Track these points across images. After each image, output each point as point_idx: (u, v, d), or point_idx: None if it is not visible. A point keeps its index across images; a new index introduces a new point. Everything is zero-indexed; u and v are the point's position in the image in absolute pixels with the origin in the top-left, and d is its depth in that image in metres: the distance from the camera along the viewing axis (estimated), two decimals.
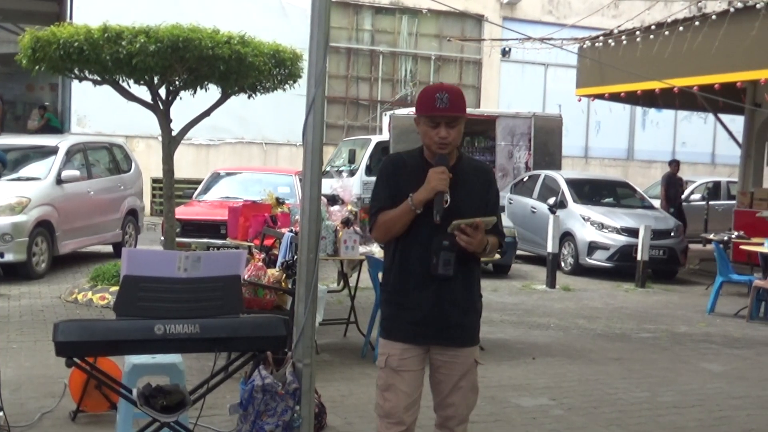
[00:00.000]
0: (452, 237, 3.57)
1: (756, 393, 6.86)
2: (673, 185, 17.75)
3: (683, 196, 18.72)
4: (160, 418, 3.92)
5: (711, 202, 19.27)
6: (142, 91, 9.75)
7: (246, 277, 6.25)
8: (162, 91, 9.70)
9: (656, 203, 16.63)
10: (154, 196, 20.45)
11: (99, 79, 9.49)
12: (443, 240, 3.60)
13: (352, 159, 18.12)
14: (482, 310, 3.86)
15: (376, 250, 7.76)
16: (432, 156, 3.68)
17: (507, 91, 24.98)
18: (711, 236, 13.35)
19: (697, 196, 20.41)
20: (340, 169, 17.37)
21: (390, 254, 3.75)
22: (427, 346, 3.70)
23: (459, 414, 3.76)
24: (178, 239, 10.40)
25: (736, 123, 17.13)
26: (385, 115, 19.61)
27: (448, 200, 3.59)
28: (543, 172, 16.13)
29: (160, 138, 10.27)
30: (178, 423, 4.02)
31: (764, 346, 8.90)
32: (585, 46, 15.44)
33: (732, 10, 12.35)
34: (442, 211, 3.58)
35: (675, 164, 18.22)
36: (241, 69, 9.20)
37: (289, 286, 6.46)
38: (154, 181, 19.69)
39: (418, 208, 3.58)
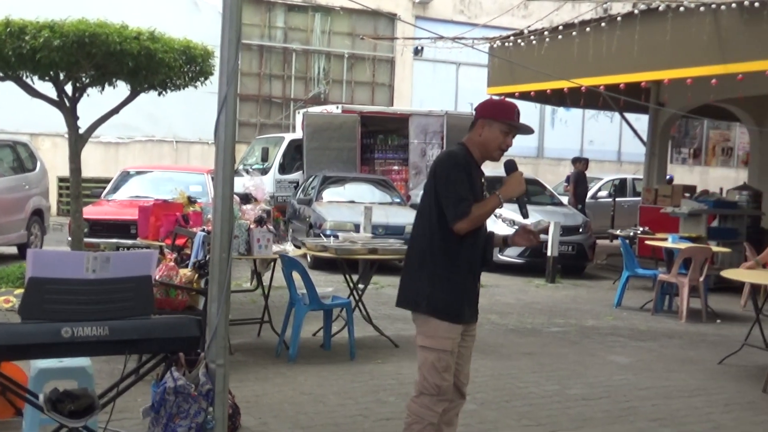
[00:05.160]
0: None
1: (661, 384, 7.08)
2: (582, 183, 18.17)
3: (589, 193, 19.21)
4: (68, 423, 3.82)
5: (617, 199, 19.79)
6: (47, 88, 9.50)
7: (157, 277, 6.15)
8: (68, 88, 9.47)
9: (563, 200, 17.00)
10: (60, 195, 19.96)
11: (1, 74, 9.20)
12: (490, 235, 4.30)
13: (265, 157, 18.02)
14: None
15: (290, 249, 7.74)
16: (480, 157, 4.19)
17: (419, 89, 25.19)
18: (617, 232, 13.72)
19: (604, 193, 20.94)
20: (253, 167, 17.24)
21: (458, 244, 4.08)
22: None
23: (469, 377, 4.41)
24: (86, 239, 10.18)
25: (641, 122, 17.67)
26: (299, 113, 19.55)
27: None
28: None
29: (66, 136, 10.02)
30: (87, 428, 3.94)
31: (669, 338, 9.19)
32: (496, 45, 15.67)
33: (637, 12, 12.71)
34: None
35: (584, 162, 18.65)
36: (151, 65, 9.04)
37: (202, 286, 6.39)
38: (61, 180, 19.23)
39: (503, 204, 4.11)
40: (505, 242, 4.42)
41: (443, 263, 4.09)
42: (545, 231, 4.46)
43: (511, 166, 4.22)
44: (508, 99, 4.68)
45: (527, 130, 4.21)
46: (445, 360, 4.10)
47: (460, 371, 4.28)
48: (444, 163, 4.13)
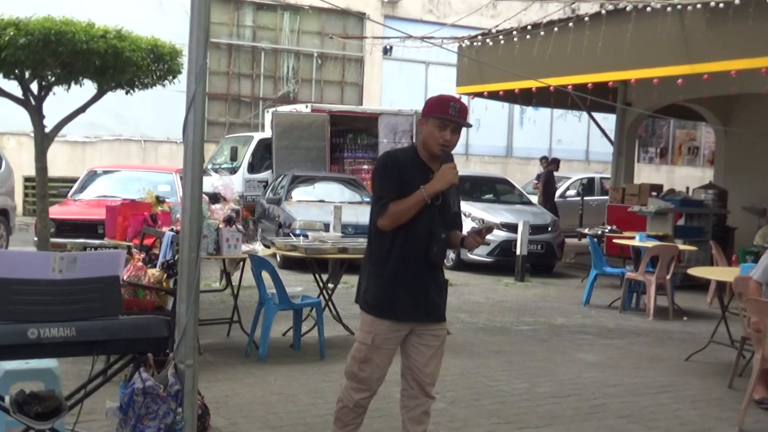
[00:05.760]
0: (446, 229, 4.17)
1: (629, 381, 7.14)
2: (551, 182, 18.26)
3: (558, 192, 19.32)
4: (35, 425, 3.78)
5: (585, 198, 19.93)
6: (13, 86, 9.39)
7: (125, 277, 6.10)
8: (34, 86, 9.36)
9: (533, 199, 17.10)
10: (26, 195, 19.73)
11: None
12: (441, 232, 4.14)
13: (234, 156, 17.94)
14: None
15: (259, 249, 7.71)
16: (428, 155, 4.17)
17: (389, 88, 25.19)
18: (586, 231, 13.81)
19: (572, 192, 21.07)
20: (222, 166, 17.16)
21: (388, 241, 4.13)
22: (414, 324, 4.21)
23: (434, 377, 4.33)
24: (52, 240, 10.06)
25: (609, 121, 17.80)
26: (268, 112, 19.48)
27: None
28: None
29: (32, 135, 9.91)
30: (54, 430, 3.89)
31: (636, 335, 9.28)
32: (464, 45, 15.71)
33: (604, 12, 12.80)
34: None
35: (554, 162, 18.75)
36: (118, 64, 8.97)
37: (171, 286, 6.34)
38: (27, 179, 19.00)
39: (429, 198, 4.06)
40: (462, 243, 4.40)
41: (377, 259, 4.19)
42: (490, 231, 4.41)
43: (444, 159, 4.21)
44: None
45: (462, 124, 4.16)
46: (363, 352, 4.20)
47: (421, 370, 4.28)
48: (376, 164, 4.31)
